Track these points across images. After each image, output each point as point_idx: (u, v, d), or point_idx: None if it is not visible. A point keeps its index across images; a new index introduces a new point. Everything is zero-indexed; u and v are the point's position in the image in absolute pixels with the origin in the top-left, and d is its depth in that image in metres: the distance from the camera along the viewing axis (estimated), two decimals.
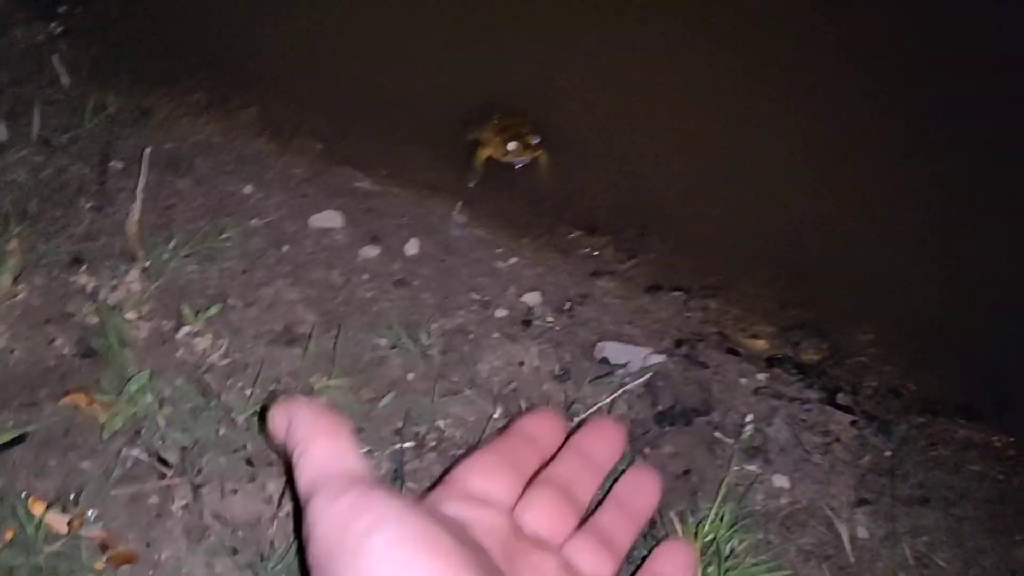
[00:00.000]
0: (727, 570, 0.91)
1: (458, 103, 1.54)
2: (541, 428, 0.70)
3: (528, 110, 1.53)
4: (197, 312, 1.04)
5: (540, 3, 1.72)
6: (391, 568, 0.45)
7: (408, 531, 0.47)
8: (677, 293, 1.33)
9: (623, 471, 0.72)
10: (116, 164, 1.23)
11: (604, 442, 0.71)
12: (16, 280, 1.04)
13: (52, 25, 1.47)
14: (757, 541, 0.98)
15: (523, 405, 1.04)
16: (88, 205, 1.15)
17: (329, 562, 0.47)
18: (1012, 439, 1.27)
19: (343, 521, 0.48)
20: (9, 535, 0.82)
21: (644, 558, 0.67)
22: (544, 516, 0.62)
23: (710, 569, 0.92)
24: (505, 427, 0.70)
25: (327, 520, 0.48)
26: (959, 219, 1.54)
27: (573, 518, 0.65)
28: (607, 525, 0.66)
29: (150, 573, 0.83)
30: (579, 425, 0.72)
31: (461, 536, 0.51)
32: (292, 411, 0.56)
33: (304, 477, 0.53)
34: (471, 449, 0.66)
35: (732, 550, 0.95)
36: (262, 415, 0.59)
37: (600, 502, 0.69)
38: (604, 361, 1.14)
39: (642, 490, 0.71)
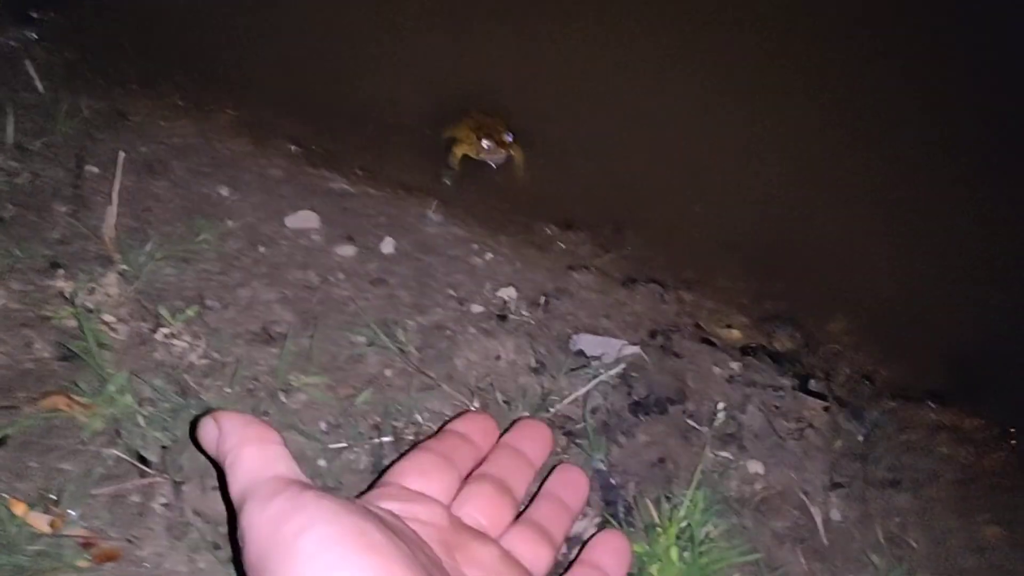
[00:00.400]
0: (701, 554, 0.92)
1: (432, 103, 1.56)
2: (474, 429, 0.72)
3: (503, 108, 1.55)
4: (175, 314, 1.04)
5: (513, 1, 1.74)
6: (323, 566, 0.46)
7: (339, 529, 0.47)
8: (653, 286, 1.35)
9: (552, 468, 0.74)
10: (92, 168, 1.23)
11: (534, 441, 0.74)
12: None
13: (26, 31, 1.48)
14: (731, 526, 1.00)
15: (500, 398, 1.06)
16: (64, 209, 1.16)
17: (264, 563, 0.47)
18: (980, 422, 1.30)
19: (275, 523, 0.48)
20: None
21: (581, 548, 0.69)
22: (483, 509, 0.64)
23: (685, 554, 0.94)
24: (439, 429, 0.71)
25: (260, 523, 0.48)
26: (927, 210, 1.57)
27: (510, 511, 0.66)
28: (542, 517, 0.68)
29: (133, 570, 0.84)
30: (509, 427, 0.74)
31: (396, 531, 0.51)
32: (221, 421, 0.56)
33: (236, 484, 0.53)
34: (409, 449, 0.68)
35: (707, 535, 0.96)
36: (194, 427, 0.59)
37: (533, 497, 0.71)
38: (580, 353, 1.15)
39: (572, 485, 0.73)
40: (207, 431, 0.57)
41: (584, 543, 0.71)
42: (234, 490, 0.53)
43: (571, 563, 0.68)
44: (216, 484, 0.91)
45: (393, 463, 0.66)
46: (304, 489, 0.50)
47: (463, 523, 0.62)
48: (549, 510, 0.69)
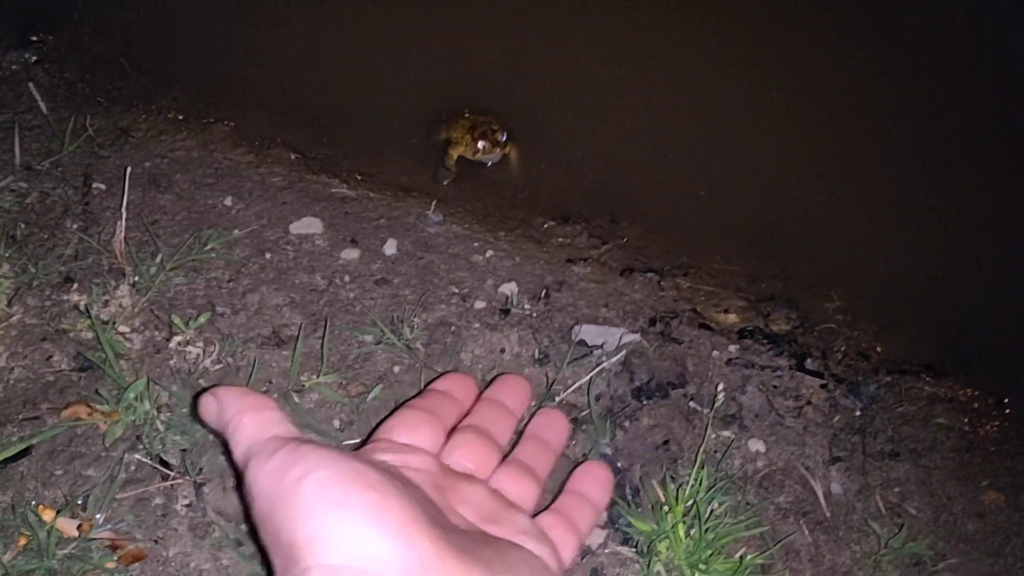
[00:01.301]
0: (707, 530, 0.95)
1: (426, 104, 1.58)
2: (455, 386, 0.76)
3: (495, 107, 1.57)
4: (187, 321, 1.08)
5: (499, 1, 1.76)
6: (327, 504, 0.49)
7: (337, 472, 0.51)
8: (650, 274, 1.38)
9: (533, 414, 0.79)
10: (99, 185, 1.26)
11: (512, 392, 0.78)
12: (10, 302, 1.07)
13: (26, 54, 1.51)
14: (736, 503, 1.03)
15: None
16: (74, 226, 1.19)
17: (271, 513, 0.51)
18: (976, 392, 1.33)
19: (277, 474, 0.52)
20: (22, 542, 0.86)
21: (564, 480, 0.73)
22: (469, 455, 0.68)
23: (692, 531, 0.96)
24: (423, 389, 0.75)
25: (263, 476, 0.52)
26: (916, 188, 1.60)
27: (495, 455, 0.71)
28: (526, 457, 0.72)
29: (160, 569, 0.87)
30: (490, 382, 0.78)
31: (391, 474, 0.55)
32: (219, 396, 0.60)
33: (239, 448, 0.57)
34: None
35: (712, 512, 0.99)
36: (194, 405, 0.63)
37: (517, 441, 0.75)
38: (582, 343, 1.18)
39: (552, 426, 0.78)
40: (207, 405, 0.61)
41: (568, 475, 0.75)
42: (237, 454, 0.57)
43: (556, 495, 0.73)
44: (235, 484, 0.94)
45: (380, 423, 0.70)
46: (302, 443, 0.54)
47: (452, 469, 0.66)
48: (532, 450, 0.73)
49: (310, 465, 0.51)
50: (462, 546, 0.53)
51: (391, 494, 0.51)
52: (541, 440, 0.75)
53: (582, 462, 0.75)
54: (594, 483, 0.73)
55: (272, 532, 0.51)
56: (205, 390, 0.62)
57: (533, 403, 1.08)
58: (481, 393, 0.77)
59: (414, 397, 0.74)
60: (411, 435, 0.67)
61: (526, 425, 0.78)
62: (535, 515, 0.67)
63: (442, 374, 0.79)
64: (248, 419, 0.57)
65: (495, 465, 0.70)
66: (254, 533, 0.55)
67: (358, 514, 0.49)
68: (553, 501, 0.71)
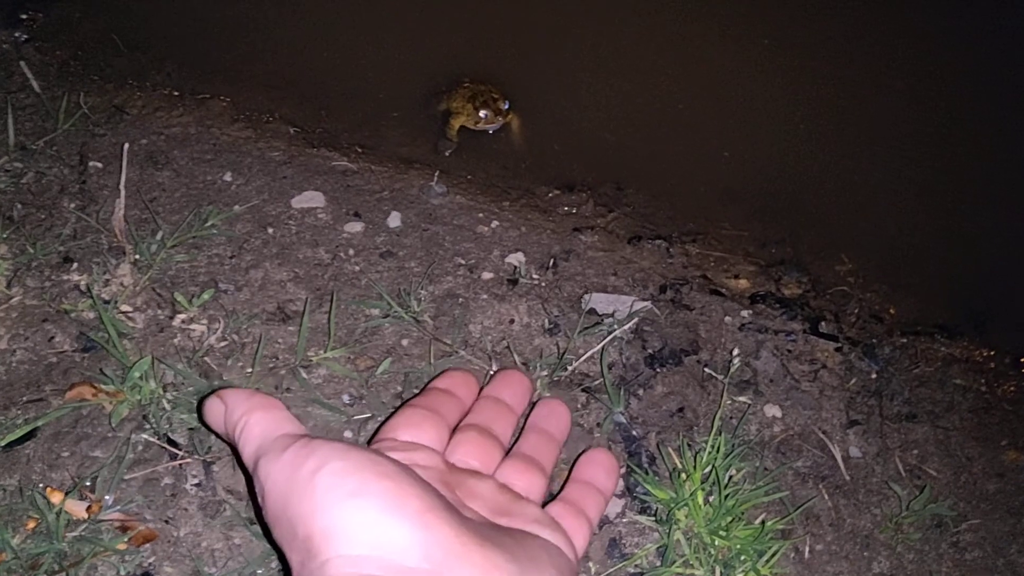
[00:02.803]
0: (727, 496, 0.94)
1: (425, 75, 1.56)
2: (456, 384, 0.76)
3: (495, 75, 1.55)
4: (190, 299, 1.05)
5: None
6: (343, 494, 0.49)
7: (352, 463, 0.50)
8: (658, 241, 1.36)
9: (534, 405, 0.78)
10: (95, 163, 1.24)
11: (512, 389, 0.79)
12: (9, 284, 1.05)
13: (16, 33, 1.48)
14: (754, 468, 1.02)
15: (518, 360, 1.07)
16: (72, 205, 1.17)
17: (285, 509, 0.50)
18: (992, 352, 1.32)
19: (291, 468, 0.51)
20: (31, 525, 0.84)
21: (571, 468, 0.73)
22: (472, 453, 0.68)
23: (711, 498, 0.95)
24: (424, 387, 0.75)
25: (276, 473, 0.52)
26: (927, 144, 1.57)
27: (498, 452, 0.71)
28: (529, 449, 0.73)
29: (171, 549, 0.85)
30: (490, 379, 0.78)
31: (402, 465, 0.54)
32: (225, 397, 0.59)
33: (248, 448, 0.56)
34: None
35: (730, 478, 0.98)
36: (200, 406, 0.62)
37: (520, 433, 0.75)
38: (592, 312, 1.16)
39: (553, 415, 0.78)
40: (213, 408, 0.60)
41: (573, 463, 0.74)
42: (247, 453, 0.56)
43: (564, 484, 0.72)
44: (246, 483, 0.92)
45: (384, 422, 0.70)
46: (313, 438, 0.53)
47: (457, 467, 0.65)
48: (535, 441, 0.74)
49: (324, 457, 0.50)
50: (481, 533, 0.52)
51: (407, 483, 0.50)
52: (544, 431, 0.76)
53: (596, 431, 0.75)
54: (600, 470, 0.74)
55: (287, 528, 0.50)
56: (211, 394, 0.61)
57: (545, 374, 1.06)
58: (482, 389, 0.77)
59: (417, 395, 0.74)
60: (415, 433, 0.67)
61: (528, 416, 0.78)
62: (544, 505, 0.67)
63: (443, 372, 0.78)
64: (256, 418, 0.57)
65: (498, 461, 0.70)
66: (267, 534, 0.54)
67: (375, 503, 0.48)
68: (561, 490, 0.71)
